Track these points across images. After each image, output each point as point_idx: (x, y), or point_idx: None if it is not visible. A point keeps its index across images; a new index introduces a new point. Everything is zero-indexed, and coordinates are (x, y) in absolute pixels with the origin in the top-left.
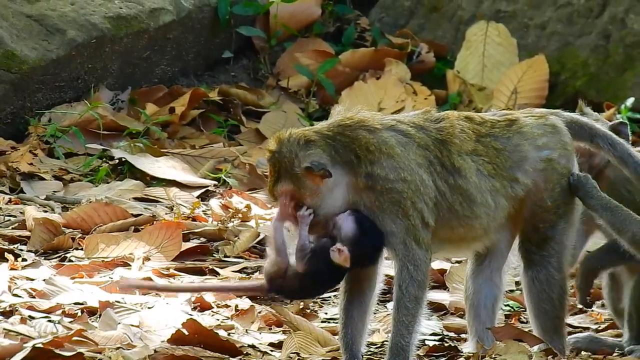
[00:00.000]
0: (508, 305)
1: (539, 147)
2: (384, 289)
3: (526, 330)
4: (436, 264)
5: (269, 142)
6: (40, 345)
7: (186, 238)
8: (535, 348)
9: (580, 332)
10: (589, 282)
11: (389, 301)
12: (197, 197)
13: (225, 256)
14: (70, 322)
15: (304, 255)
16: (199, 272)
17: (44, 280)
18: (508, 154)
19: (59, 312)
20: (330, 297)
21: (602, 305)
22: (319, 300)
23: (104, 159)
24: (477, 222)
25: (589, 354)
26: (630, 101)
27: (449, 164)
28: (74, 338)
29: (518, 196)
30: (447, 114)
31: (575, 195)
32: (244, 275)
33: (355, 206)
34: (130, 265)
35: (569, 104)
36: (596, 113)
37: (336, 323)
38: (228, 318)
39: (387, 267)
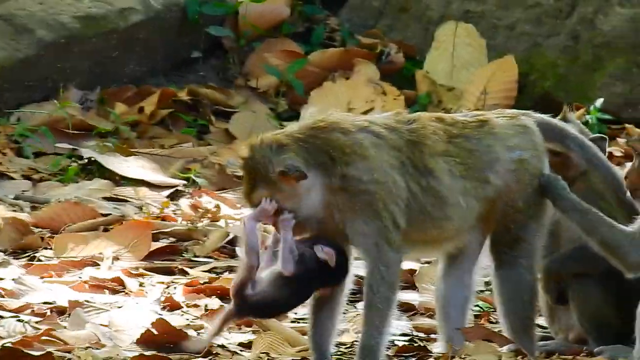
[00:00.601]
0: (478, 305)
1: (510, 148)
2: (353, 289)
3: (496, 330)
4: (406, 264)
5: (240, 149)
6: (9, 345)
7: (155, 238)
8: (505, 348)
9: (549, 334)
10: (554, 284)
11: (359, 301)
12: (167, 197)
13: (195, 256)
14: (39, 321)
15: (293, 257)
16: (169, 272)
17: (13, 279)
18: (480, 154)
19: (28, 311)
20: None
21: None
22: None
23: (73, 159)
24: (449, 224)
25: (557, 354)
26: (599, 102)
27: (421, 166)
28: (43, 337)
29: (489, 197)
30: (418, 115)
31: (545, 196)
32: (213, 275)
33: (331, 208)
34: (100, 265)
35: (538, 105)
36: (579, 122)
37: (306, 323)
38: (197, 318)
39: (356, 267)
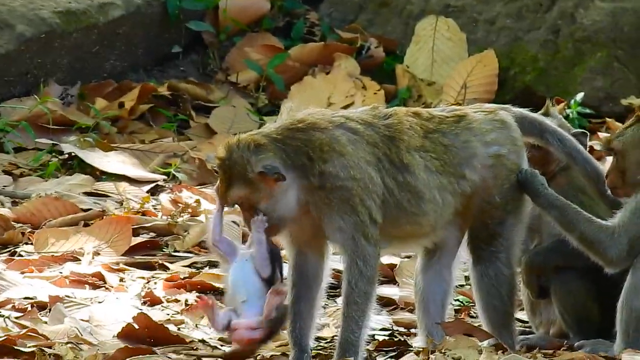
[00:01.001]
0: (458, 300)
1: (487, 143)
2: (333, 284)
3: (476, 325)
4: (386, 259)
5: (217, 148)
6: None
7: (136, 233)
8: (485, 343)
9: (530, 328)
10: (535, 278)
11: (338, 296)
12: (147, 192)
13: (175, 251)
14: (20, 316)
15: (267, 260)
16: (149, 266)
17: None
18: (456, 150)
19: (9, 306)
20: None
21: None
22: None
23: (54, 154)
24: (425, 219)
25: (538, 349)
26: (579, 96)
27: (398, 161)
28: (22, 332)
29: (465, 193)
30: (395, 110)
31: (524, 191)
32: (193, 270)
33: (307, 206)
34: (80, 260)
35: (518, 99)
36: (560, 116)
37: None
38: (178, 313)
39: (336, 262)
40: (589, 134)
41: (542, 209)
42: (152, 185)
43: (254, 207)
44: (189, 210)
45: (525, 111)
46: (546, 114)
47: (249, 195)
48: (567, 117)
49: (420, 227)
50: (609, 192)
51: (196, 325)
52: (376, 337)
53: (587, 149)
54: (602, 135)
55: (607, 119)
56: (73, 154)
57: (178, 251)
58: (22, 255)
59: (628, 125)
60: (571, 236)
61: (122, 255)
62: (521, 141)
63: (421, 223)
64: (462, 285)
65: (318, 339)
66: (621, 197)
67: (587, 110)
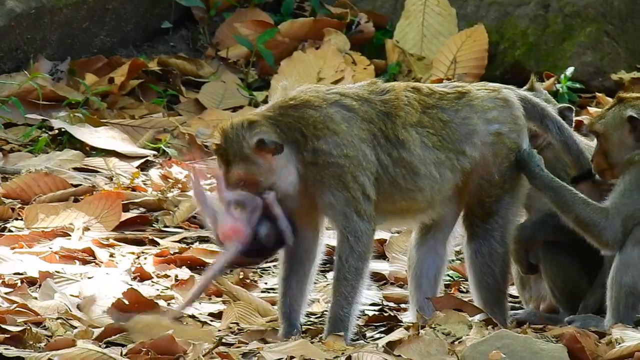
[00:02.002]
0: (448, 275)
1: (488, 121)
2: (324, 259)
3: (466, 300)
4: (376, 234)
5: (213, 136)
6: None
7: (126, 208)
8: (475, 318)
9: (520, 303)
10: (524, 253)
11: (329, 271)
12: (137, 167)
13: (165, 226)
14: (10, 292)
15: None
16: (139, 242)
17: None
18: (455, 126)
19: None
20: (269, 267)
21: None
22: (258, 270)
23: (44, 129)
24: (420, 195)
25: (528, 324)
26: (569, 71)
27: (393, 137)
28: (12, 307)
29: (465, 169)
30: (393, 85)
31: (521, 171)
32: (183, 245)
33: (305, 180)
34: (70, 236)
35: (508, 74)
36: (546, 91)
37: (276, 293)
38: (168, 288)
39: (329, 237)
40: (574, 108)
41: (538, 189)
42: (142, 160)
43: (256, 185)
44: (179, 185)
45: (529, 94)
46: (531, 89)
47: (249, 173)
48: (557, 92)
49: (415, 203)
50: (597, 178)
51: None
52: (366, 312)
53: (573, 123)
54: (592, 110)
55: (597, 94)
56: (63, 129)
57: (168, 226)
58: (12, 231)
59: (609, 108)
60: (567, 218)
61: (112, 230)
62: (523, 121)
63: (416, 199)
64: (452, 261)
65: (308, 314)
66: (608, 180)
67: (577, 85)
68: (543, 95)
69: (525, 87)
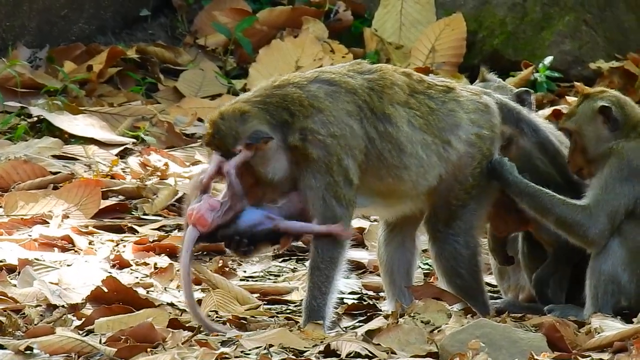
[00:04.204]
0: (427, 263)
1: (472, 120)
2: (303, 247)
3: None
4: (355, 222)
5: (204, 127)
6: None
7: (105, 196)
8: (455, 307)
9: (499, 295)
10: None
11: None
12: (116, 155)
13: (144, 214)
14: None
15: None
16: (118, 229)
17: None
18: (442, 116)
19: None
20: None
21: None
22: (237, 259)
23: (22, 117)
24: (406, 173)
25: (507, 313)
26: (548, 60)
27: (379, 111)
28: None
29: (452, 161)
30: (381, 66)
31: (494, 179)
32: (162, 233)
33: (295, 164)
34: (49, 223)
35: (486, 63)
36: (499, 79)
37: (255, 281)
38: (147, 276)
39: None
40: (532, 92)
41: (514, 196)
42: (121, 148)
43: (252, 175)
44: (158, 173)
45: (505, 99)
46: (483, 80)
47: (245, 164)
48: (535, 81)
49: (402, 182)
50: (575, 177)
51: (165, 288)
52: (345, 300)
53: (533, 106)
54: (571, 99)
55: (576, 83)
56: (42, 117)
57: (147, 214)
58: None
59: (577, 105)
60: (548, 221)
61: (91, 218)
62: (498, 129)
63: (402, 177)
64: (425, 250)
65: (286, 302)
66: (586, 178)
67: (556, 74)
68: (496, 83)
69: (477, 81)
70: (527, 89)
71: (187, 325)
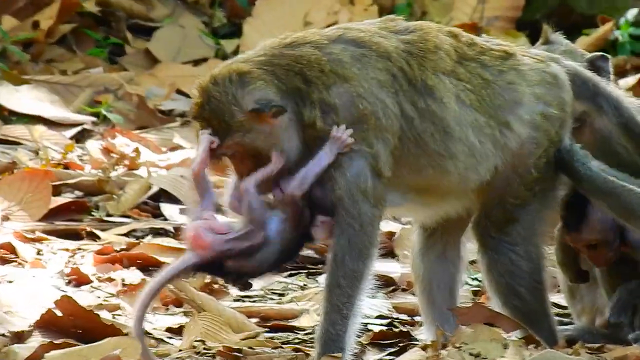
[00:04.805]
0: (475, 278)
1: (536, 97)
2: (315, 258)
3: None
4: (382, 225)
5: (192, 95)
6: None
7: (57, 191)
8: (513, 335)
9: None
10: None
11: (321, 273)
12: (70, 139)
13: (108, 215)
14: None
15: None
16: (74, 235)
17: None
18: (499, 90)
19: None
20: None
21: None
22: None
23: None
24: (452, 164)
25: (581, 343)
26: (632, 13)
27: (419, 81)
28: None
29: (511, 149)
30: (421, 24)
31: (563, 172)
32: (132, 240)
33: (309, 146)
34: None
35: (552, 17)
36: (567, 41)
37: (253, 302)
38: (112, 295)
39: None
40: (609, 57)
41: (590, 195)
42: (77, 129)
43: (249, 156)
44: (125, 161)
45: (578, 67)
46: (546, 42)
47: (241, 143)
48: (615, 42)
49: (445, 176)
50: None
51: None
52: (371, 327)
53: (611, 75)
54: None
55: None
56: None
57: (111, 215)
58: None
59: None
60: (633, 226)
61: (39, 220)
62: (571, 108)
63: (447, 169)
64: (473, 262)
65: (295, 329)
66: None
67: None
68: (562, 46)
69: (538, 42)
70: (603, 53)
71: (164, 359)
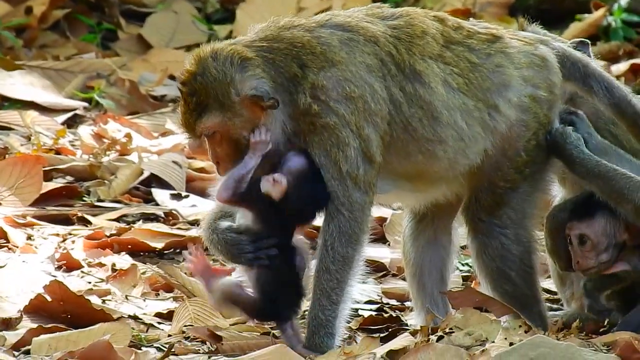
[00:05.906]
0: (467, 264)
1: (524, 78)
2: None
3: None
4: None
5: (186, 62)
6: None
7: (48, 176)
8: (504, 319)
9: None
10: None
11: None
12: (62, 124)
13: (99, 200)
14: None
15: (239, 186)
16: (65, 220)
17: None
18: (487, 72)
19: None
20: None
21: None
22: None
23: None
24: (441, 149)
25: (571, 328)
26: None
27: (407, 66)
28: None
29: (498, 131)
30: (407, 10)
31: (555, 155)
32: (123, 225)
33: (294, 136)
34: None
35: (544, 3)
36: (545, 31)
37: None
38: (102, 280)
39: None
40: (590, 42)
41: (581, 178)
42: (69, 114)
43: (229, 140)
44: (117, 147)
45: (568, 48)
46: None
47: (225, 125)
48: (608, 27)
49: (434, 161)
50: None
51: (126, 296)
52: (360, 312)
53: (591, 58)
54: None
55: None
56: None
57: (103, 200)
58: None
59: None
60: (624, 209)
61: (30, 205)
62: (560, 90)
63: (436, 154)
64: (464, 247)
65: None
66: None
67: (635, 18)
68: (541, 34)
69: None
70: (583, 39)
71: (154, 344)
